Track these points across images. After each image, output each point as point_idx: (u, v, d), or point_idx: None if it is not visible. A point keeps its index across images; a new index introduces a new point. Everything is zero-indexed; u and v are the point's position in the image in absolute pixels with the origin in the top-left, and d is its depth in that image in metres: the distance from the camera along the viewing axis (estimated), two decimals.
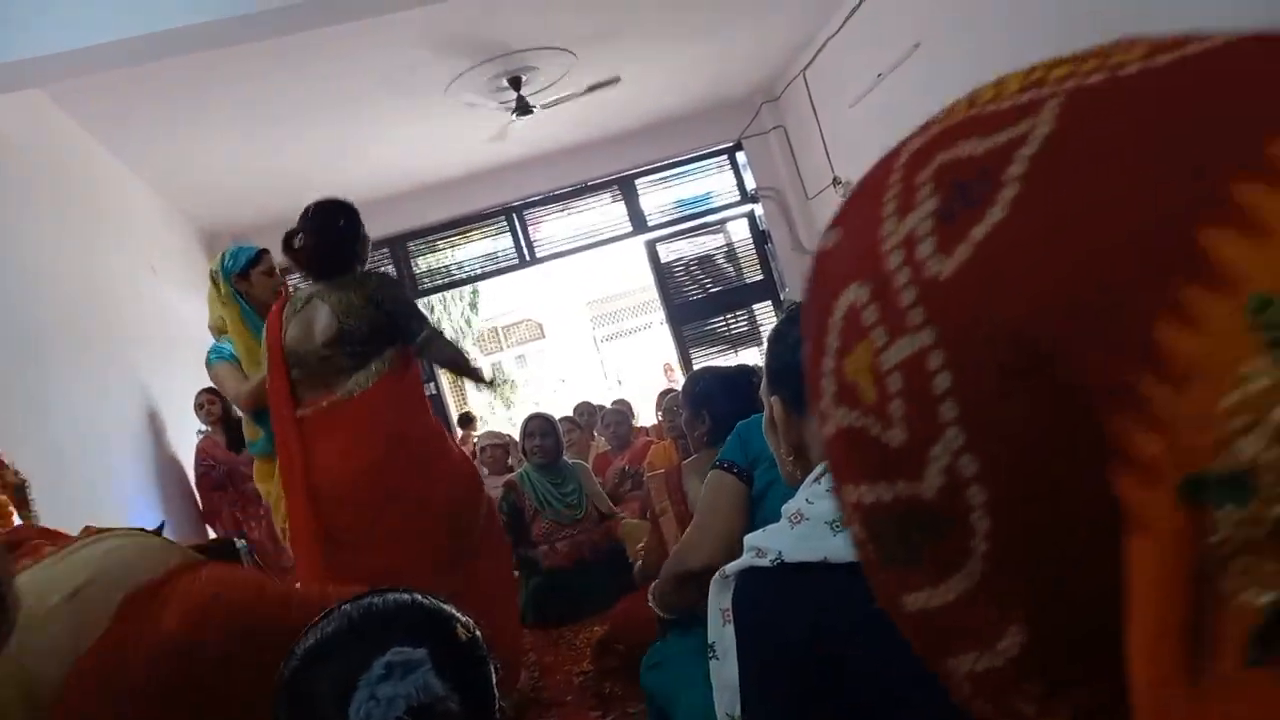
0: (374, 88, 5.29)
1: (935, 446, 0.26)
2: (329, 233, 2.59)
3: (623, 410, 5.46)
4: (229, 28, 3.70)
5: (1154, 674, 0.24)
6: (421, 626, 0.77)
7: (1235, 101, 0.24)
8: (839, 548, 0.79)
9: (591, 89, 5.93)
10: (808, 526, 0.82)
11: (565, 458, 4.14)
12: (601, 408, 6.08)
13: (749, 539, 0.85)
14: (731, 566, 0.87)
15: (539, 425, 4.00)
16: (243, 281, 2.92)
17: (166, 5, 3.55)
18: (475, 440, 6.54)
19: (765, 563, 0.82)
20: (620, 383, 8.83)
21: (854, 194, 0.30)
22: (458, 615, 0.82)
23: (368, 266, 2.74)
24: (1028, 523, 0.26)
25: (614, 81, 5.92)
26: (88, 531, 1.63)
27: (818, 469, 0.87)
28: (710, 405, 2.34)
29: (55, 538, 1.73)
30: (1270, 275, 0.22)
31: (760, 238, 8.36)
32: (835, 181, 7.20)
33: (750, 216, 8.40)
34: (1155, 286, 0.23)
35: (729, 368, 2.59)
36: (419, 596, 0.81)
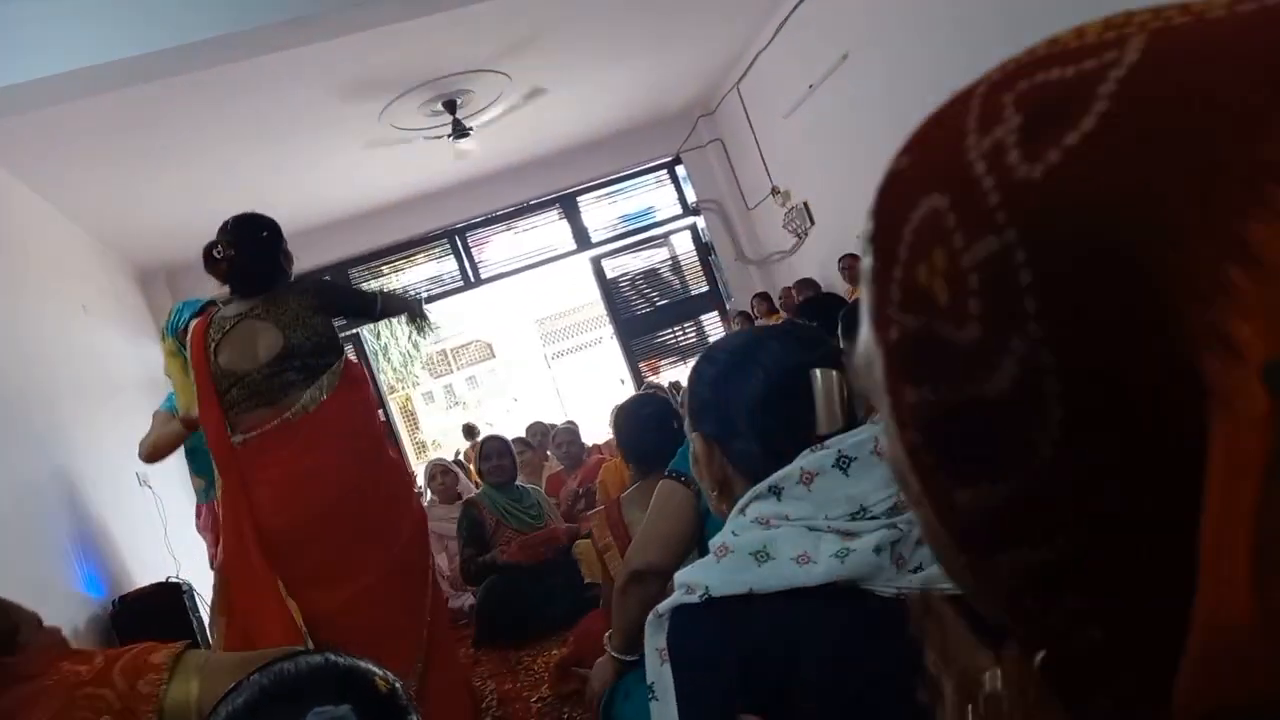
0: (306, 118, 5.23)
1: (1013, 340, 0.27)
2: (251, 244, 2.49)
3: (573, 429, 5.45)
4: (151, 62, 3.64)
5: (1221, 565, 0.25)
6: (340, 684, 0.76)
7: None
8: (764, 578, 0.80)
9: (526, 98, 5.95)
10: (733, 559, 0.82)
11: (519, 481, 4.22)
12: (553, 427, 6.07)
13: (677, 576, 0.86)
14: (663, 605, 0.87)
15: (496, 446, 4.15)
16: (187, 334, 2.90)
17: (86, 43, 3.48)
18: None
19: (694, 599, 0.82)
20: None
21: (925, 124, 0.32)
22: (374, 669, 0.80)
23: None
24: (1100, 414, 0.27)
25: (541, 92, 5.95)
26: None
27: (741, 501, 0.87)
28: (629, 443, 2.38)
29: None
30: None
31: (704, 249, 8.43)
32: (774, 191, 7.29)
33: (693, 229, 8.46)
34: (1245, 186, 0.25)
35: (644, 397, 2.61)
36: (332, 655, 0.79)
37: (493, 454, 4.10)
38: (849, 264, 6.04)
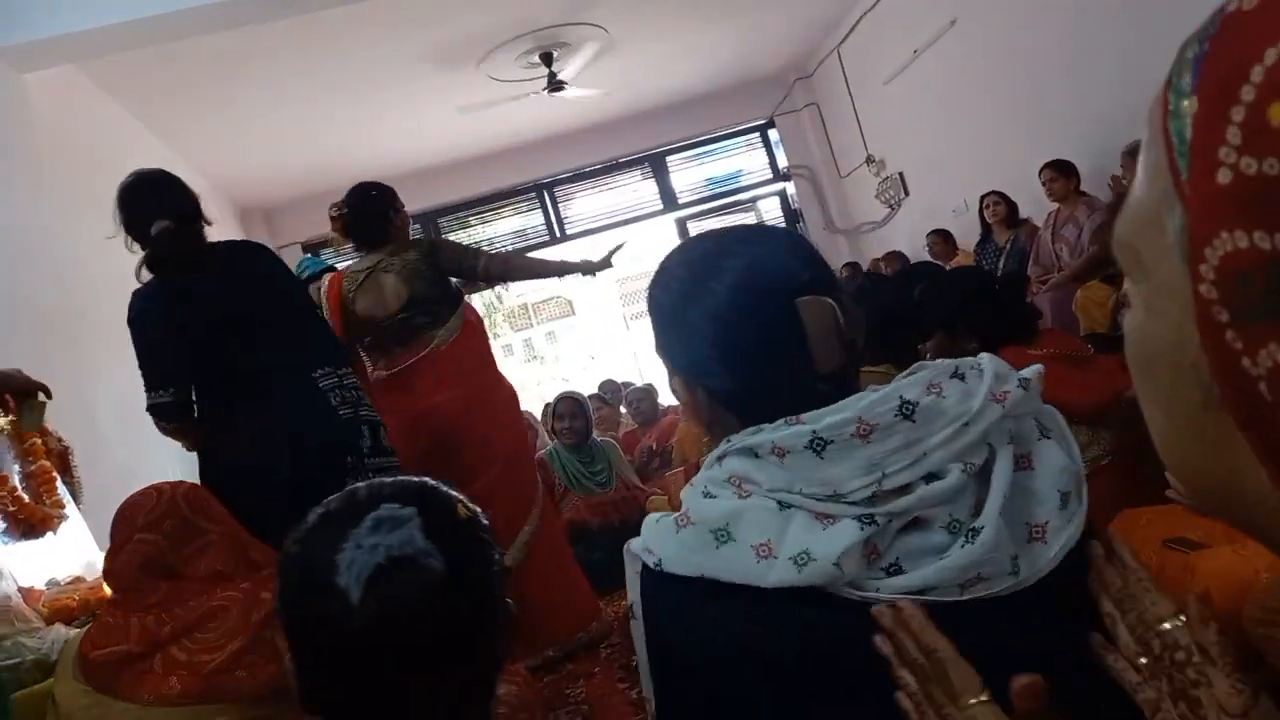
0: (406, 67, 5.30)
1: None
2: (362, 204, 2.96)
3: (648, 388, 5.47)
4: (264, 4, 3.73)
5: None
6: (412, 493, 0.82)
7: None
8: (718, 566, 0.72)
9: (620, 53, 5.88)
10: (693, 532, 0.74)
11: (595, 436, 4.13)
12: (628, 384, 6.10)
13: (646, 522, 0.80)
14: (636, 544, 0.81)
15: (568, 407, 3.98)
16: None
17: None
18: None
19: (650, 562, 0.76)
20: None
21: None
22: (461, 497, 0.85)
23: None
24: None
25: (636, 47, 5.87)
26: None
27: (718, 450, 0.78)
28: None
29: None
30: None
31: (792, 216, 8.30)
32: (869, 160, 7.12)
33: (782, 195, 8.34)
34: None
35: None
36: (422, 477, 0.87)
37: (566, 415, 3.96)
38: (934, 241, 5.89)
